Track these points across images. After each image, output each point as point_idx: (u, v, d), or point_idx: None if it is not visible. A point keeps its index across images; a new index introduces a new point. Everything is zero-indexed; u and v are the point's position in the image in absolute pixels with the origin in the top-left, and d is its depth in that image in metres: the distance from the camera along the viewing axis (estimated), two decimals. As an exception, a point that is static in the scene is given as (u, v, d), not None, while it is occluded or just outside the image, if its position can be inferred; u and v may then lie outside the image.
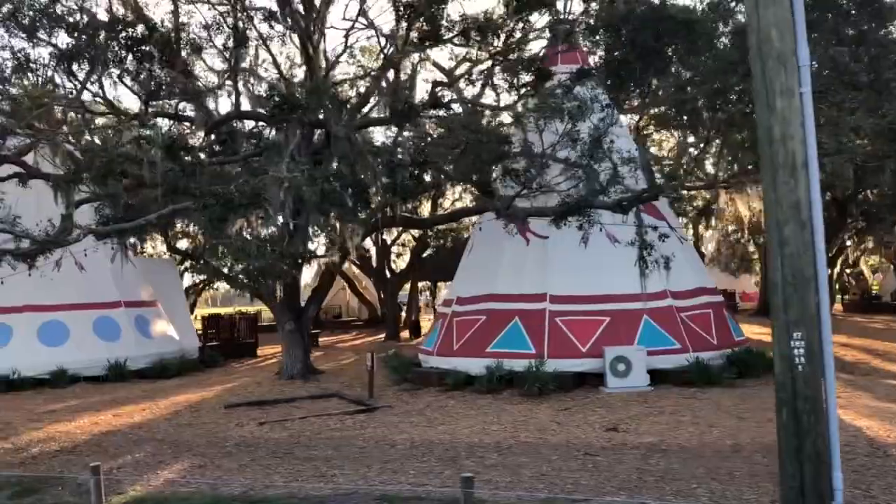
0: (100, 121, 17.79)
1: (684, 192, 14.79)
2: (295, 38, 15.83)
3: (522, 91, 12.40)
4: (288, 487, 8.63)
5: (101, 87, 13.36)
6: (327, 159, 11.85)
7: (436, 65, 15.81)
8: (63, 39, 13.41)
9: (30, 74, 13.44)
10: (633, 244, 13.69)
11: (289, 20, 13.08)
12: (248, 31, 14.35)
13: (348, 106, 13.42)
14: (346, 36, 14.19)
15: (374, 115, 14.99)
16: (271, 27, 13.95)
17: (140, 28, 12.89)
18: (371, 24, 14.70)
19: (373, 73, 13.44)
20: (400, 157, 11.90)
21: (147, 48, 12.52)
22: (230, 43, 13.18)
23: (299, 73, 18.40)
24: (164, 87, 13.20)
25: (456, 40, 12.85)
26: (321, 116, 12.07)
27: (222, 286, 49.57)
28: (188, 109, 15.52)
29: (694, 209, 30.40)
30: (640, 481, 8.25)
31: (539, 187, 13.30)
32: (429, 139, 12.57)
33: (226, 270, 16.89)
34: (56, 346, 19.66)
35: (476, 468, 9.12)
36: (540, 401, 13.83)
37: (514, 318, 15.95)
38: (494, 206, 13.42)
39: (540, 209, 13.75)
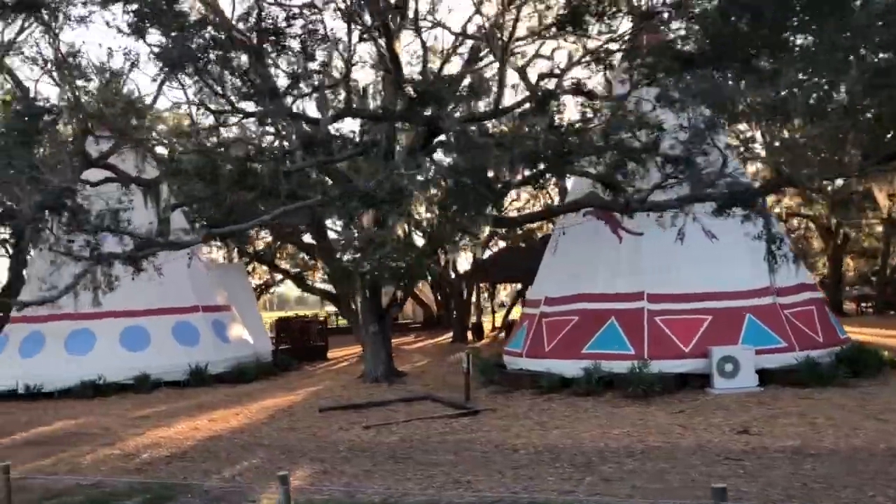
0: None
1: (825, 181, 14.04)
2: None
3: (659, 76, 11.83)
4: (425, 494, 8.30)
5: (212, 86, 13.22)
6: (447, 154, 11.57)
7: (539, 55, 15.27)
8: (156, 39, 13.38)
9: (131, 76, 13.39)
10: (759, 238, 13.02)
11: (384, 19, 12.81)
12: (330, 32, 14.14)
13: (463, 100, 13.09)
14: (463, 32, 13.76)
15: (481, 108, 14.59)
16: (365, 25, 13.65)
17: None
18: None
19: (476, 66, 13.13)
20: (537, 148, 11.50)
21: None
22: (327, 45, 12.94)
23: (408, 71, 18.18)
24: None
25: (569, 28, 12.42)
26: (439, 110, 11.76)
27: (277, 290, 49.77)
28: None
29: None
30: (805, 489, 7.75)
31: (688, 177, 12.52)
32: (565, 129, 12.12)
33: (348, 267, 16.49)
34: (138, 352, 19.67)
35: (618, 474, 8.71)
36: (646, 403, 13.34)
37: (610, 318, 15.46)
38: (625, 200, 12.75)
39: (683, 199, 12.94)
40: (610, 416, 12.47)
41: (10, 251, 19.58)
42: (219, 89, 13.03)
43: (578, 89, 12.63)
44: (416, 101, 11.55)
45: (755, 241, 14.18)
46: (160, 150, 17.86)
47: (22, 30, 17.25)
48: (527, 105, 13.00)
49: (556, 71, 14.02)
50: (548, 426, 11.87)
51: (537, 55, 15.14)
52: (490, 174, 11.90)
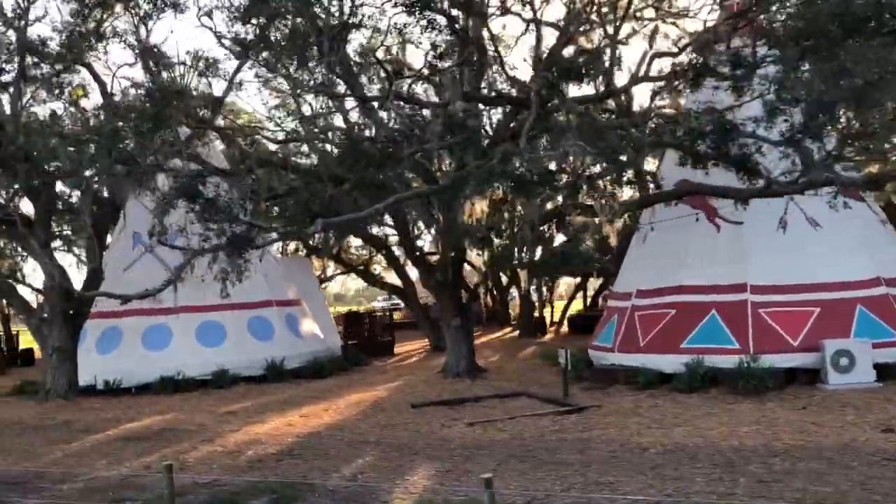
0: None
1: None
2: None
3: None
4: (570, 496, 7.83)
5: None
6: (555, 138, 11.08)
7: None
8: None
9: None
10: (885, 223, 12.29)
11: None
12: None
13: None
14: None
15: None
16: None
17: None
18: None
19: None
20: (698, 127, 10.94)
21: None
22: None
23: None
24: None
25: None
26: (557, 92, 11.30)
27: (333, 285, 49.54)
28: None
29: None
30: None
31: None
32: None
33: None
34: (214, 347, 19.52)
35: (770, 475, 8.14)
36: (759, 400, 12.70)
37: (711, 310, 14.83)
38: (767, 182, 12.06)
39: (805, 185, 12.19)
40: (727, 413, 11.87)
41: (84, 245, 19.50)
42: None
43: (712, 69, 11.98)
44: (557, 80, 11.05)
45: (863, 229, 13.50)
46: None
47: (100, 22, 17.07)
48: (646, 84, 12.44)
49: (674, 50, 13.40)
50: (665, 423, 11.31)
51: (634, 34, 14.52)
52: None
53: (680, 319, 15.10)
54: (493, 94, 13.75)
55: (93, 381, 18.62)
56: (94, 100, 20.92)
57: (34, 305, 22.08)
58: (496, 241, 13.48)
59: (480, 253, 17.89)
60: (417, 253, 18.98)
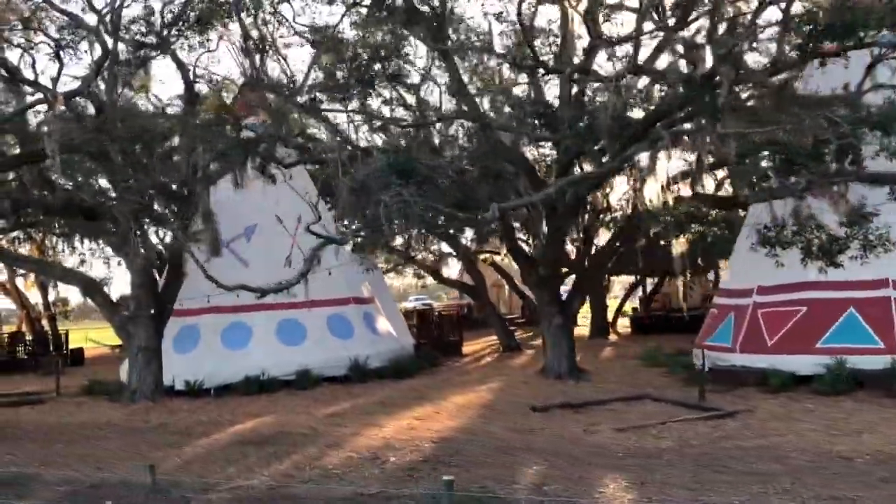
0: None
1: None
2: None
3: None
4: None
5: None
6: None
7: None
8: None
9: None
10: None
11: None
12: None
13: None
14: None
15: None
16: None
17: None
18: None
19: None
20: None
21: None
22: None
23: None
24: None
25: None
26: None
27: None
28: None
29: None
30: None
31: None
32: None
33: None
34: (295, 346, 18.70)
35: None
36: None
37: (849, 308, 13.91)
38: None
39: None
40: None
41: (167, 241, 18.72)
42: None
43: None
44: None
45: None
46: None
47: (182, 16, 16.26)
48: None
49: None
50: (845, 429, 10.40)
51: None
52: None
53: (812, 318, 14.18)
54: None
55: (171, 381, 17.84)
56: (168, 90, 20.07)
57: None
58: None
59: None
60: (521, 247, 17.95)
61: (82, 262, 26.91)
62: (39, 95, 13.31)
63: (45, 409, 16.83)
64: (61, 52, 13.35)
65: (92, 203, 15.52)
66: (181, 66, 16.74)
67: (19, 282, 34.76)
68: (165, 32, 16.06)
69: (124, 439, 12.67)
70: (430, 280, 34.50)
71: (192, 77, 17.12)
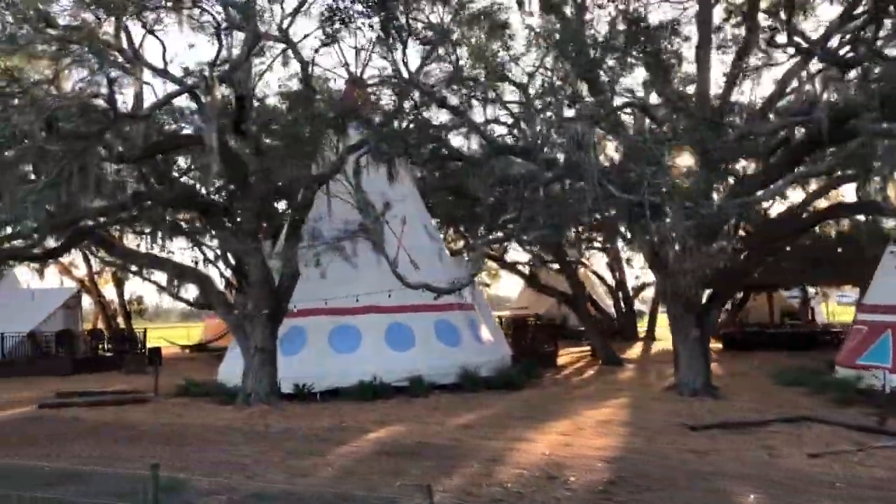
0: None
1: None
2: None
3: None
4: None
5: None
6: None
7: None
8: None
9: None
10: None
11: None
12: None
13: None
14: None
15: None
16: None
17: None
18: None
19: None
20: None
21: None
22: None
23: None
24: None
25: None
26: None
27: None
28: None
29: None
30: None
31: None
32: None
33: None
34: (404, 351, 17.99)
35: None
36: None
37: None
38: None
39: None
40: None
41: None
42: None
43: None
44: None
45: None
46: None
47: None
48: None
49: None
50: None
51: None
52: None
53: None
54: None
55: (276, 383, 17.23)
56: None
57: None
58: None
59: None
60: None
61: (203, 261, 26.60)
62: (186, 81, 12.77)
63: (151, 410, 16.34)
64: (221, 35, 12.78)
65: (209, 199, 14.96)
66: (300, 58, 16.19)
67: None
68: (285, 23, 15.53)
69: (256, 444, 12.01)
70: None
71: (309, 71, 16.55)
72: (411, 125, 14.30)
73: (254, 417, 14.50)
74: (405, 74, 14.83)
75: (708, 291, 15.42)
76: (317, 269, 17.86)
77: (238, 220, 14.82)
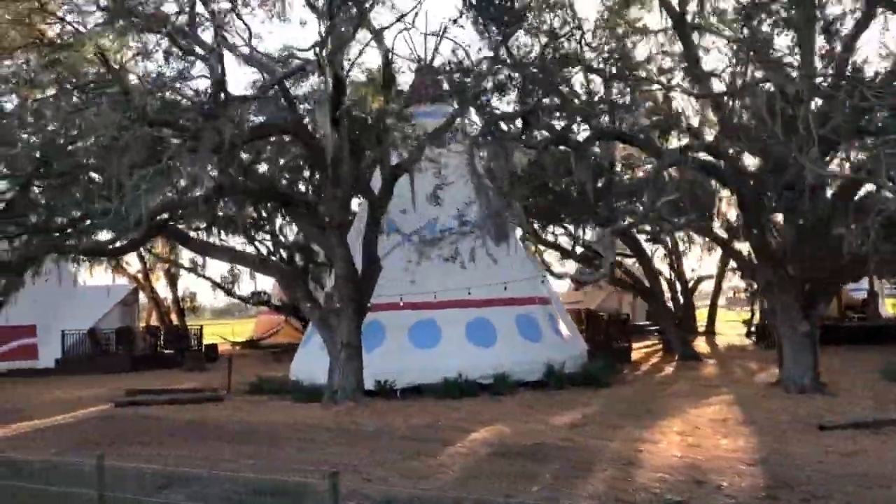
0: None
1: None
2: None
3: None
4: None
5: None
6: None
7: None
8: None
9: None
10: None
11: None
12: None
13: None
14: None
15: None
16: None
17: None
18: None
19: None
20: None
21: None
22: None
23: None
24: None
25: None
26: None
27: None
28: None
29: None
30: None
31: None
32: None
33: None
34: (487, 347, 17.27)
35: None
36: None
37: None
38: None
39: None
40: None
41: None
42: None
43: None
44: None
45: None
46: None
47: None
48: None
49: None
50: None
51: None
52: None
53: None
54: None
55: (354, 380, 16.62)
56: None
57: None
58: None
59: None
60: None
61: (278, 256, 26.18)
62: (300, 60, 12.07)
63: (230, 408, 15.84)
64: (334, 8, 12.06)
65: (290, 191, 14.38)
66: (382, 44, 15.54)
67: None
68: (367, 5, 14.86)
69: (356, 444, 11.39)
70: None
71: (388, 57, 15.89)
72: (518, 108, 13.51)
73: (342, 415, 13.91)
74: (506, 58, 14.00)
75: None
76: (396, 262, 17.30)
77: (318, 211, 14.19)
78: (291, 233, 27.58)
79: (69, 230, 13.31)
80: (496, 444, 11.19)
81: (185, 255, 33.41)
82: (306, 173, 18.63)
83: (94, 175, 13.01)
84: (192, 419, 14.39)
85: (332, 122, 12.29)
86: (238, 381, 19.49)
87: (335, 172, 13.56)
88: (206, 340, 31.24)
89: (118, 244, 14.47)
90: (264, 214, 22.94)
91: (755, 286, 34.61)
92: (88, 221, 13.88)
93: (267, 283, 38.58)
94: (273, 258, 32.72)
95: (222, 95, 10.68)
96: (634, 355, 24.54)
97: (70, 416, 15.52)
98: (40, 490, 8.64)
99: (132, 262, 35.18)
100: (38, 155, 11.99)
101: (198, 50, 12.84)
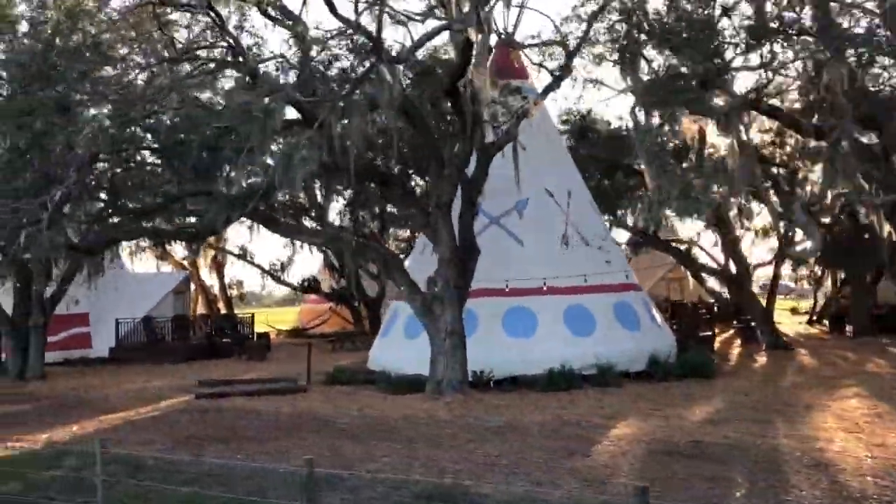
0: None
1: None
2: None
3: None
4: None
5: None
6: None
7: None
8: None
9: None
10: None
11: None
12: None
13: None
14: None
15: None
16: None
17: None
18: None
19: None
20: None
21: None
22: None
23: None
24: None
25: None
26: None
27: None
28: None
29: None
30: None
31: None
32: None
33: None
34: (586, 336, 16.25)
35: None
36: None
37: None
38: None
39: None
40: None
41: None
42: None
43: None
44: None
45: None
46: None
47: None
48: None
49: None
50: None
51: None
52: None
53: None
54: None
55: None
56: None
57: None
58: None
59: None
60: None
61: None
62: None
63: (321, 399, 14.97)
64: None
65: (389, 170, 13.41)
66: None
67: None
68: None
69: (491, 441, 10.48)
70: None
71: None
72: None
73: (456, 409, 12.99)
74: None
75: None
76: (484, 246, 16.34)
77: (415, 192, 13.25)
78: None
79: (162, 210, 12.43)
80: (648, 441, 10.26)
81: (233, 242, 32.66)
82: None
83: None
84: (291, 412, 13.54)
85: (451, 95, 11.30)
86: (295, 370, 18.74)
87: (440, 150, 12.55)
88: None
89: (207, 226, 13.56)
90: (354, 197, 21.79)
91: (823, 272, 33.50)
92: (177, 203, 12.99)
93: (314, 270, 37.85)
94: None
95: (375, 58, 9.69)
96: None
97: (154, 409, 14.72)
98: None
99: (177, 249, 34.49)
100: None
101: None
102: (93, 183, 12.18)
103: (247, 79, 10.35)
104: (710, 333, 22.12)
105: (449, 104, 12.13)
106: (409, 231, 28.82)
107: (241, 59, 10.40)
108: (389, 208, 24.19)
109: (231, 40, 11.23)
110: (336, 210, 25.99)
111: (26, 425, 13.20)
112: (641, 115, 15.92)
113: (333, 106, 9.20)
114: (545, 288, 16.56)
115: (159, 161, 12.17)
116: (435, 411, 12.82)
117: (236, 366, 23.10)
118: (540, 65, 16.99)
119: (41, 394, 17.34)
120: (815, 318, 33.08)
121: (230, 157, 11.82)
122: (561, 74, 16.30)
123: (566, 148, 20.44)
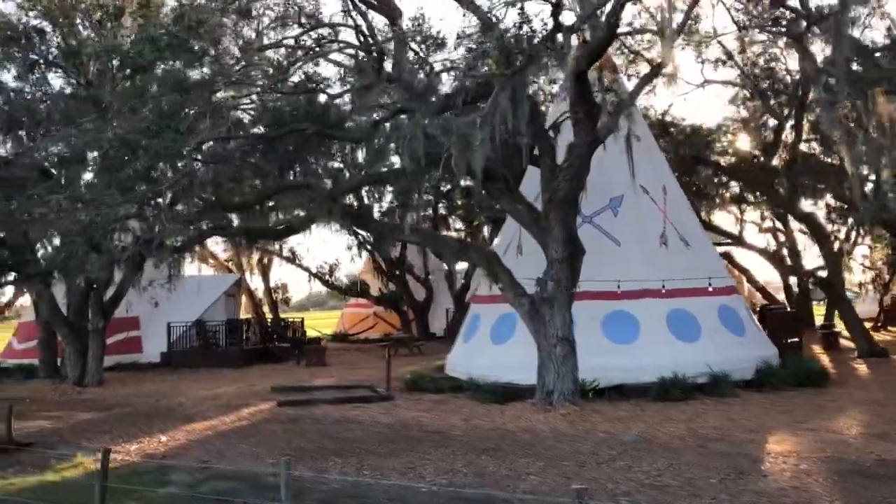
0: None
1: None
2: None
3: None
4: None
5: None
6: None
7: None
8: None
9: None
10: None
11: None
12: None
13: None
14: None
15: None
16: None
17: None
18: None
19: None
20: None
21: None
22: None
23: None
24: None
25: None
26: None
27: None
28: None
29: None
30: None
31: None
32: None
33: None
34: (692, 342, 15.20)
35: None
36: None
37: None
38: None
39: None
40: None
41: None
42: None
43: None
44: None
45: None
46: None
47: None
48: None
49: None
50: None
51: None
52: None
53: None
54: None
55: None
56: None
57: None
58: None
59: None
60: None
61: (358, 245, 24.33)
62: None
63: (412, 408, 14.01)
64: None
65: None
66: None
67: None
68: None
69: (640, 460, 9.47)
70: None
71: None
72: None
73: (573, 420, 12.00)
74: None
75: None
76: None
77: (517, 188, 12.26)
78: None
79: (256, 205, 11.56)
80: (820, 459, 9.22)
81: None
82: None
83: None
84: (391, 422, 12.62)
85: (579, 77, 10.35)
86: (363, 377, 17.83)
87: (550, 141, 11.59)
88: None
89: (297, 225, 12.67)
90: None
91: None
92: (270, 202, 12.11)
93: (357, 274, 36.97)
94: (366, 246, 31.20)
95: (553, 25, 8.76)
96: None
97: (238, 417, 13.84)
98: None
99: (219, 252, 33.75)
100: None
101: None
102: (198, 178, 11.37)
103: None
104: (797, 339, 20.97)
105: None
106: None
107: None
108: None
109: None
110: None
111: (110, 434, 12.37)
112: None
113: (507, 82, 8.24)
114: (644, 291, 15.55)
115: (258, 151, 11.31)
116: (554, 423, 11.83)
117: (298, 371, 22.24)
118: (637, 53, 16.00)
119: (110, 401, 16.50)
120: (880, 323, 31.88)
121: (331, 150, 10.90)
122: (660, 65, 15.33)
123: (656, 142, 19.42)
